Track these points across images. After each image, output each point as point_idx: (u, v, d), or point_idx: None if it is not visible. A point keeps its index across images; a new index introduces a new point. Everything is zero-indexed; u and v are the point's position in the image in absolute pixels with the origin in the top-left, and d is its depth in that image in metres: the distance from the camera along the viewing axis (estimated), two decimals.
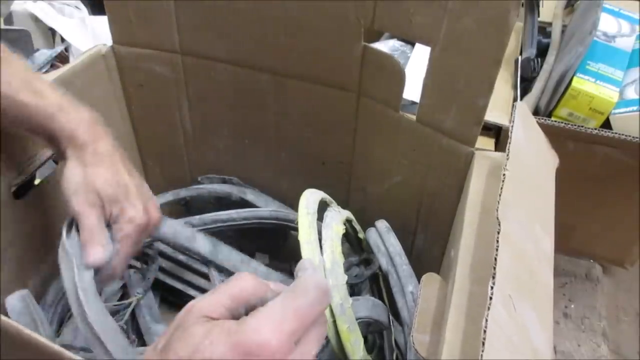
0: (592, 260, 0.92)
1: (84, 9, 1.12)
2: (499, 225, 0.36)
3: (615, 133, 0.72)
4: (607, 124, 0.79)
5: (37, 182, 0.66)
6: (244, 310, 0.37)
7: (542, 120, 0.74)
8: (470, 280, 0.41)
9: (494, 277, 0.34)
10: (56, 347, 0.38)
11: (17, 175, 0.62)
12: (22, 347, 0.40)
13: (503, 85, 0.83)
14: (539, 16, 0.88)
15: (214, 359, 0.32)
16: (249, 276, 0.38)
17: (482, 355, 0.30)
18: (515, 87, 0.82)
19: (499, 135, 0.70)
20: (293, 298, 0.36)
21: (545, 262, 0.40)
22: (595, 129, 0.73)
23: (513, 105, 0.50)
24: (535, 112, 0.81)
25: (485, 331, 0.31)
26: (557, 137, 0.60)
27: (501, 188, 0.40)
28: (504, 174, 0.41)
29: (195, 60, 0.72)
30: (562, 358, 0.81)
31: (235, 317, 0.36)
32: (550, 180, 0.50)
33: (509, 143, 0.45)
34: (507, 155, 0.43)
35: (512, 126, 0.47)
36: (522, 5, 0.92)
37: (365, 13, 0.58)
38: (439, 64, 0.57)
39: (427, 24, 0.55)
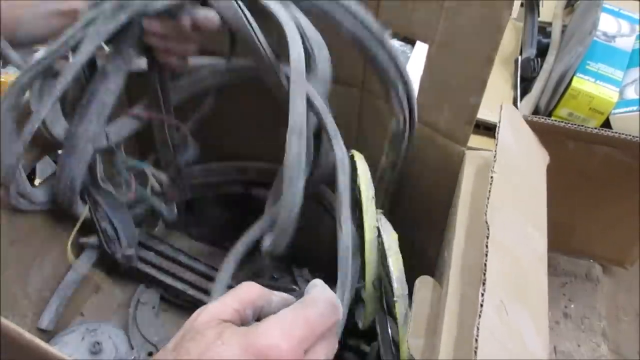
0: (592, 260, 0.92)
1: None
2: (488, 229, 0.36)
3: (616, 132, 0.71)
4: (607, 124, 0.79)
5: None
6: (252, 312, 0.38)
7: (542, 120, 0.74)
8: (462, 283, 0.41)
9: (484, 284, 0.33)
10: (55, 350, 0.39)
11: None
12: (21, 349, 0.40)
13: (503, 85, 0.83)
14: (539, 16, 0.88)
15: (225, 359, 0.33)
16: (253, 283, 0.39)
17: None
18: (515, 87, 0.82)
19: None
20: (303, 308, 0.37)
21: (538, 262, 0.40)
22: (596, 128, 0.73)
23: (500, 106, 0.50)
24: (535, 112, 0.81)
25: (477, 340, 0.31)
26: (557, 136, 0.60)
27: (489, 191, 0.39)
28: (491, 177, 0.41)
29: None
30: (562, 358, 0.81)
31: (244, 319, 0.38)
32: (541, 178, 0.50)
33: (496, 145, 0.45)
34: (494, 157, 0.43)
35: (499, 127, 0.47)
36: (522, 5, 0.92)
37: (368, 9, 0.59)
38: (434, 62, 0.57)
39: (425, 22, 0.55)
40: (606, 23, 0.84)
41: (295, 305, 0.38)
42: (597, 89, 0.77)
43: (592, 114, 0.78)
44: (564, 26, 0.88)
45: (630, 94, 0.78)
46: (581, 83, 0.78)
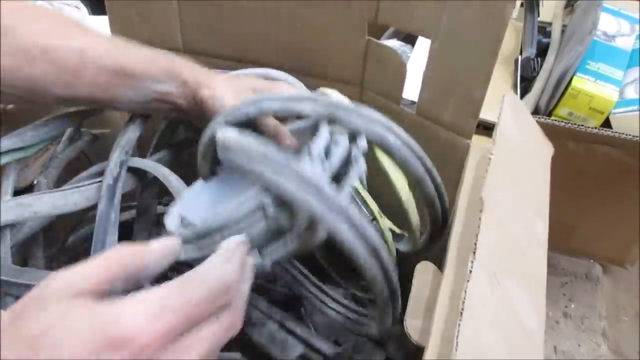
0: (592, 260, 0.92)
1: (84, 9, 1.12)
2: (482, 205, 0.37)
3: (616, 132, 0.72)
4: (607, 124, 0.79)
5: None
6: (121, 283, 0.30)
7: (542, 119, 0.74)
8: (458, 263, 0.41)
9: (474, 253, 0.34)
10: None
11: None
12: None
13: (503, 85, 0.84)
14: (539, 16, 0.89)
15: (66, 346, 0.26)
16: (124, 247, 0.32)
17: (459, 324, 0.30)
18: (515, 87, 0.82)
19: None
20: (182, 287, 0.30)
21: (536, 244, 0.40)
22: (596, 127, 0.73)
23: (503, 96, 0.51)
24: (535, 112, 0.81)
25: (463, 302, 0.31)
26: (557, 136, 0.60)
27: (486, 171, 0.40)
28: (489, 158, 0.41)
29: (198, 59, 0.72)
30: (562, 358, 0.81)
31: (108, 291, 0.30)
32: (544, 167, 0.50)
33: (496, 129, 0.45)
34: (494, 141, 0.44)
35: (500, 114, 0.47)
36: (522, 5, 0.92)
37: (368, 7, 0.59)
38: (438, 56, 0.57)
39: (427, 17, 0.56)
40: (606, 23, 0.84)
41: (174, 282, 0.30)
42: (597, 89, 0.77)
43: (592, 113, 0.79)
44: (564, 26, 0.89)
45: (630, 93, 0.79)
46: (581, 82, 0.78)
